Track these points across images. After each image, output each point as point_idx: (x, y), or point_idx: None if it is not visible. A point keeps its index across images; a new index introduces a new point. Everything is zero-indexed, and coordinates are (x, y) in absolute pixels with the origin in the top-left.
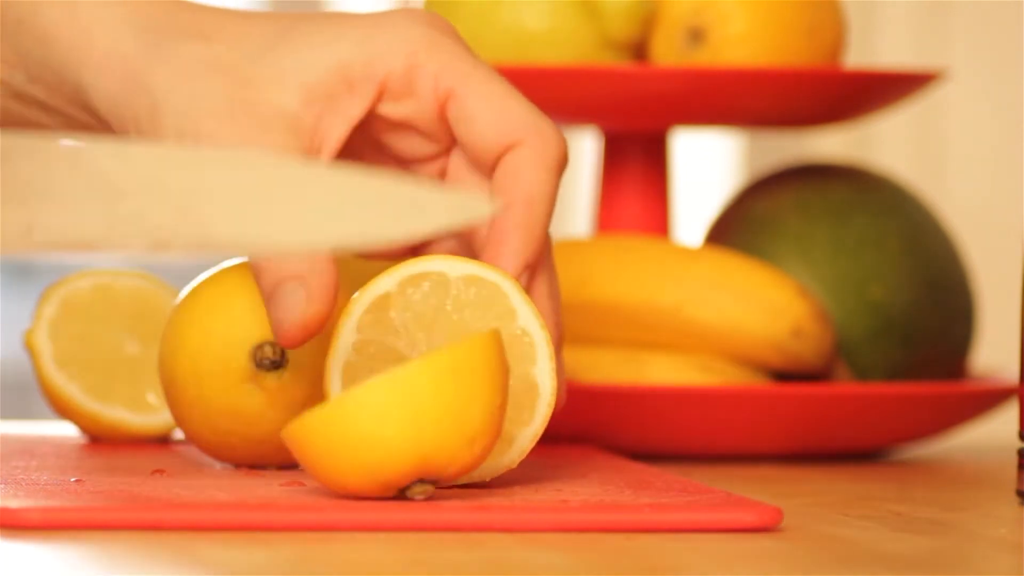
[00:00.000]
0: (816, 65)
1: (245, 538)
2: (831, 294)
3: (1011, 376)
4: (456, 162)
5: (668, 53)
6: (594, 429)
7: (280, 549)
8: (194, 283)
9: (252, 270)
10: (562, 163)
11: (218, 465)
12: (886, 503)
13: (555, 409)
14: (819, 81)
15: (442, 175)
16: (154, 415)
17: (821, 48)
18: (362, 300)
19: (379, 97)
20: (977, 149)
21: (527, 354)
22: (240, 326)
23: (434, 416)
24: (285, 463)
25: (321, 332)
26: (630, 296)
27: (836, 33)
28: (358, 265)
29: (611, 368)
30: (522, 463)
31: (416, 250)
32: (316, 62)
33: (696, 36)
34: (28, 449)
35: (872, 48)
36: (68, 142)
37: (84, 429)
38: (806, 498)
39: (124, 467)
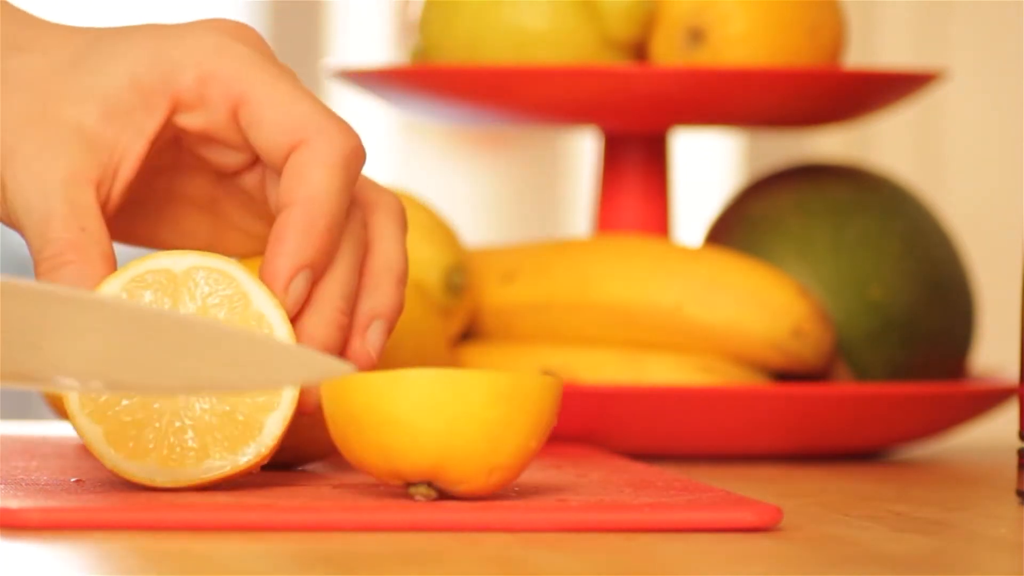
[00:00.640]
0: (816, 65)
1: (245, 538)
2: (831, 294)
3: (1011, 376)
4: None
5: (668, 53)
6: (594, 429)
7: (280, 549)
8: None
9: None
10: (350, 161)
11: None
12: (886, 503)
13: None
14: (819, 81)
15: (261, 186)
16: None
17: (821, 48)
18: (130, 271)
19: (173, 110)
20: (977, 149)
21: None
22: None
23: (470, 432)
24: (290, 463)
25: None
26: (630, 296)
27: (836, 33)
28: None
29: (611, 368)
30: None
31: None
32: (113, 78)
33: (696, 36)
34: (28, 449)
35: (872, 48)
36: None
37: None
38: (806, 498)
39: None
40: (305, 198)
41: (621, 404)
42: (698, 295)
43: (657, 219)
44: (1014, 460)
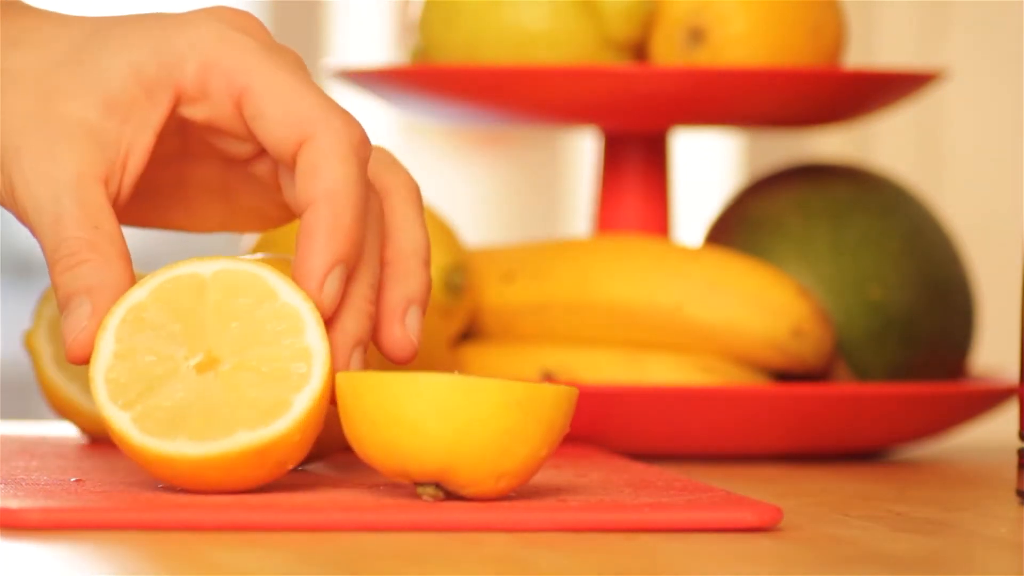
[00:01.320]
0: (816, 65)
1: (245, 538)
2: (831, 294)
3: (1011, 376)
4: None
5: (668, 53)
6: (594, 429)
7: (280, 549)
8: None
9: (52, 284)
10: (359, 149)
11: None
12: (886, 503)
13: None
14: (819, 81)
15: (273, 174)
16: None
17: (822, 48)
18: (117, 312)
19: (177, 102)
20: (977, 149)
21: (294, 327)
22: None
23: (481, 438)
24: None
25: None
26: (630, 296)
27: (836, 33)
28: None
29: (611, 368)
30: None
31: None
32: (114, 70)
33: (696, 36)
34: (28, 449)
35: (872, 48)
36: None
37: (84, 429)
38: (806, 498)
39: (124, 467)
40: (326, 193)
41: (621, 404)
42: (698, 295)
43: (657, 219)
44: (1014, 460)
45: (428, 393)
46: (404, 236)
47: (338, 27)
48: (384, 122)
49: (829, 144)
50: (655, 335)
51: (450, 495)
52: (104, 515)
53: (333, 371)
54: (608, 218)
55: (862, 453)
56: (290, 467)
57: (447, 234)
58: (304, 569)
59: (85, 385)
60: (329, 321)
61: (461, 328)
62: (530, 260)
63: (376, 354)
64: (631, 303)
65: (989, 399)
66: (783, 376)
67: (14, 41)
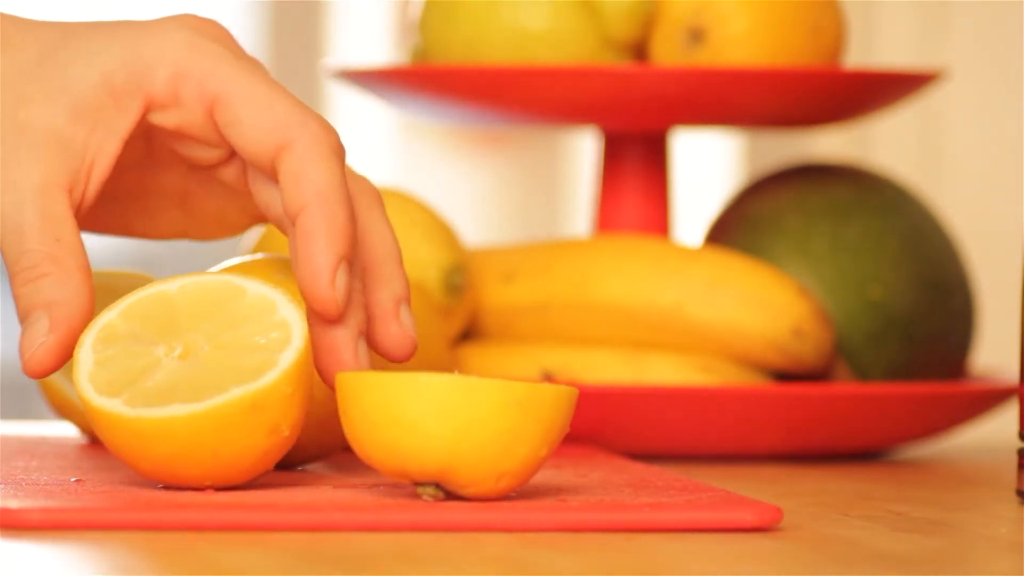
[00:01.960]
0: (816, 65)
1: (245, 538)
2: (831, 294)
3: (1011, 376)
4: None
5: (668, 53)
6: (594, 429)
7: (280, 549)
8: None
9: (12, 296)
10: (339, 152)
11: None
12: (886, 503)
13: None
14: (819, 81)
15: (242, 177)
16: None
17: (822, 48)
18: (89, 332)
19: (147, 109)
20: (977, 149)
21: (267, 309)
22: None
23: (481, 438)
24: (290, 463)
25: (66, 362)
26: (630, 296)
27: (836, 33)
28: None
29: (611, 368)
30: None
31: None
32: (83, 77)
33: (696, 36)
34: (28, 449)
35: (872, 48)
36: None
37: (84, 429)
38: (806, 498)
39: (124, 467)
40: (317, 197)
41: (621, 404)
42: (698, 295)
43: (657, 219)
44: (1014, 460)
45: (428, 393)
46: (377, 240)
47: (338, 27)
48: (384, 122)
49: (829, 144)
50: (655, 335)
51: (450, 495)
52: (104, 515)
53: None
54: (608, 218)
55: (862, 453)
56: (286, 434)
57: (447, 234)
58: (304, 569)
59: None
60: (338, 318)
61: (461, 328)
62: (530, 260)
63: (375, 354)
64: (631, 303)
65: (989, 399)
66: (783, 376)
67: None
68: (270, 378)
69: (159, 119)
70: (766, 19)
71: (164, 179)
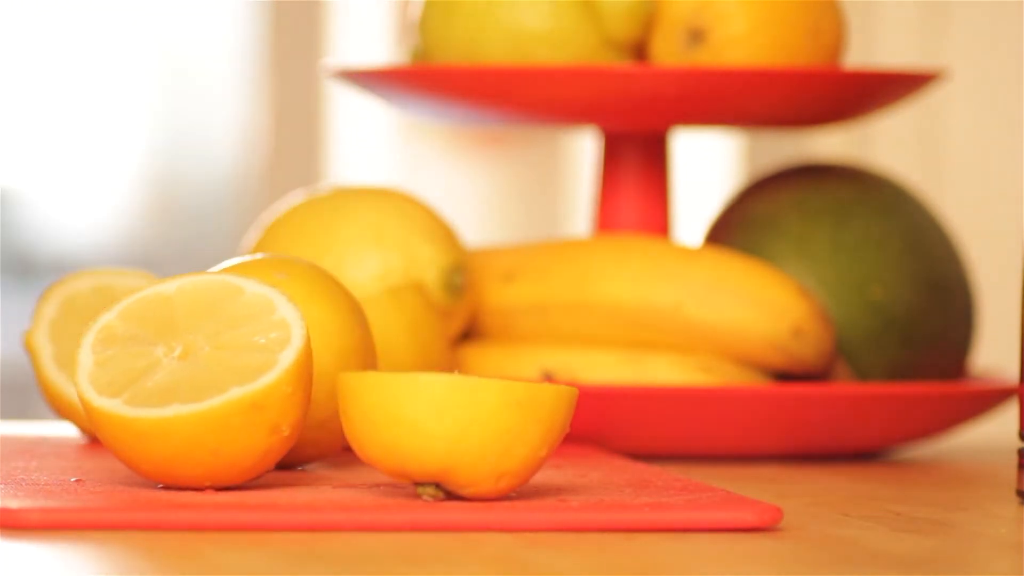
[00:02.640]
0: (816, 65)
1: (245, 538)
2: (831, 294)
3: (1011, 376)
4: None
5: (668, 53)
6: (594, 429)
7: (280, 549)
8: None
9: None
10: None
11: None
12: (886, 503)
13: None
14: (819, 81)
15: None
16: None
17: (822, 48)
18: (89, 334)
19: None
20: (977, 149)
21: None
22: None
23: (481, 438)
24: (290, 463)
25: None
26: (630, 296)
27: (836, 33)
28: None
29: (611, 368)
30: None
31: None
32: None
33: (696, 36)
34: (28, 449)
35: (872, 48)
36: None
37: (84, 429)
38: (806, 498)
39: (124, 467)
40: None
41: (621, 404)
42: (698, 295)
43: (657, 219)
44: (1014, 460)
45: (428, 393)
46: None
47: (338, 27)
48: (384, 122)
49: (829, 144)
50: (655, 335)
51: (450, 495)
52: (104, 515)
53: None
54: (608, 218)
55: (862, 453)
56: (286, 434)
57: (447, 234)
58: (304, 569)
59: None
60: None
61: (461, 328)
62: (530, 260)
63: (375, 355)
64: (631, 303)
65: (989, 399)
66: (783, 376)
67: None
68: (270, 378)
69: None
70: (766, 19)
71: None
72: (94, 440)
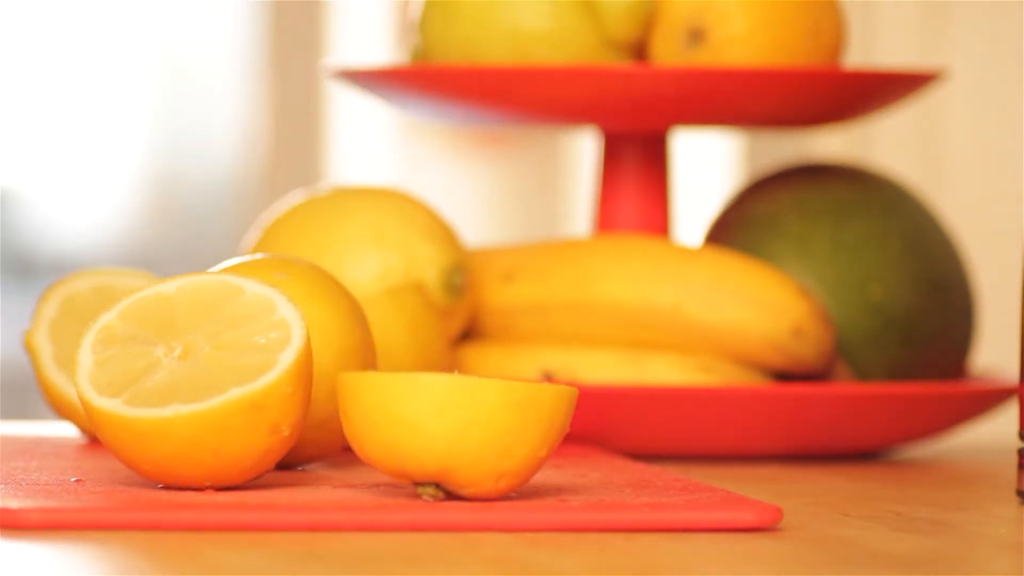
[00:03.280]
0: (816, 65)
1: (245, 538)
2: (831, 294)
3: (1011, 376)
4: None
5: (668, 53)
6: (594, 429)
7: (280, 549)
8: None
9: None
10: None
11: None
12: (886, 503)
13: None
14: (819, 81)
15: None
16: None
17: (822, 48)
18: (89, 333)
19: None
20: (977, 149)
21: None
22: None
23: (481, 438)
24: (290, 463)
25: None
26: (630, 296)
27: (836, 33)
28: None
29: (611, 368)
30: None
31: None
32: None
33: (696, 36)
34: (28, 449)
35: (872, 48)
36: None
37: (84, 429)
38: (806, 498)
39: (124, 467)
40: None
41: (621, 404)
42: (698, 295)
43: (657, 219)
44: (1014, 460)
45: (428, 393)
46: None
47: (338, 27)
48: (384, 122)
49: (829, 144)
50: (655, 335)
51: (450, 495)
52: (104, 515)
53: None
54: (608, 218)
55: (862, 453)
56: (286, 434)
57: (447, 234)
58: (304, 569)
59: None
60: None
61: (461, 328)
62: (530, 260)
63: (375, 355)
64: (631, 303)
65: (989, 399)
66: (783, 376)
67: None
68: (270, 378)
69: None
70: (766, 19)
71: None
72: (94, 440)
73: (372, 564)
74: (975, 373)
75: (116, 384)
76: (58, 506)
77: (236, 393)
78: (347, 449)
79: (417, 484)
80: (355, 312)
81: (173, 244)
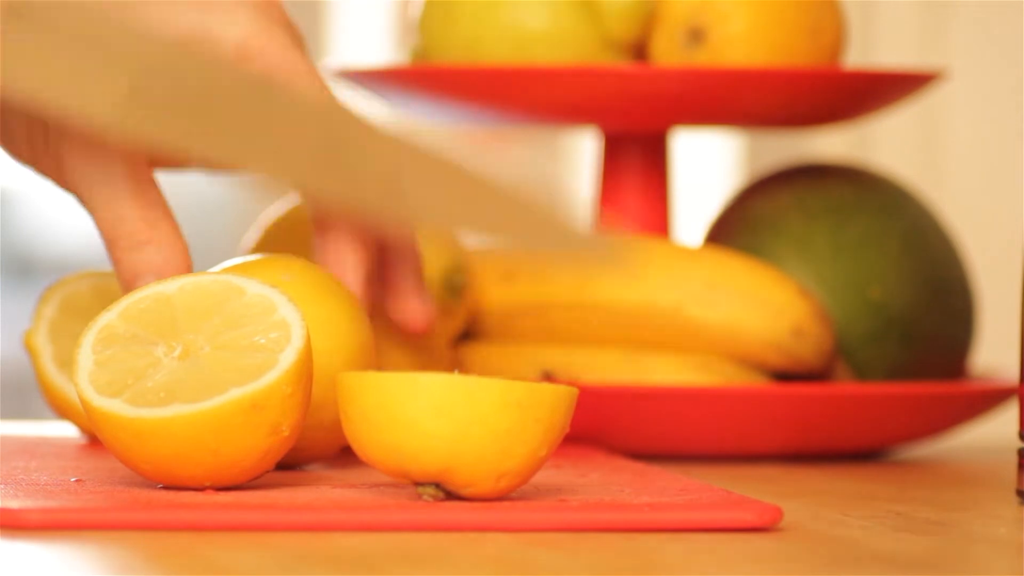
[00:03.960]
0: (816, 65)
1: (245, 538)
2: (831, 294)
3: (1011, 376)
4: None
5: (668, 53)
6: (594, 429)
7: (280, 549)
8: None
9: (111, 261)
10: None
11: None
12: (886, 503)
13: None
14: (819, 81)
15: None
16: None
17: (822, 48)
18: (89, 334)
19: None
20: (977, 149)
21: (267, 309)
22: None
23: (481, 437)
24: (290, 463)
25: None
26: (630, 296)
27: (836, 33)
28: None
29: (611, 368)
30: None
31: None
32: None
33: (696, 36)
34: (28, 449)
35: (872, 48)
36: None
37: (84, 429)
38: (806, 498)
39: (124, 467)
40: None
41: (621, 404)
42: (698, 295)
43: (657, 219)
44: (1014, 460)
45: (428, 393)
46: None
47: (338, 27)
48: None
49: (829, 144)
50: (655, 335)
51: (450, 495)
52: (104, 515)
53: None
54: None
55: (862, 453)
56: (286, 434)
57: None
58: (304, 569)
59: None
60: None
61: (461, 328)
62: (530, 260)
63: (376, 355)
64: (631, 303)
65: (989, 399)
66: (783, 376)
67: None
68: (270, 378)
69: None
70: (766, 19)
71: None
72: (94, 440)
73: (372, 564)
74: (975, 373)
75: (116, 384)
76: (58, 506)
77: (236, 393)
78: (347, 449)
79: (417, 484)
80: (360, 313)
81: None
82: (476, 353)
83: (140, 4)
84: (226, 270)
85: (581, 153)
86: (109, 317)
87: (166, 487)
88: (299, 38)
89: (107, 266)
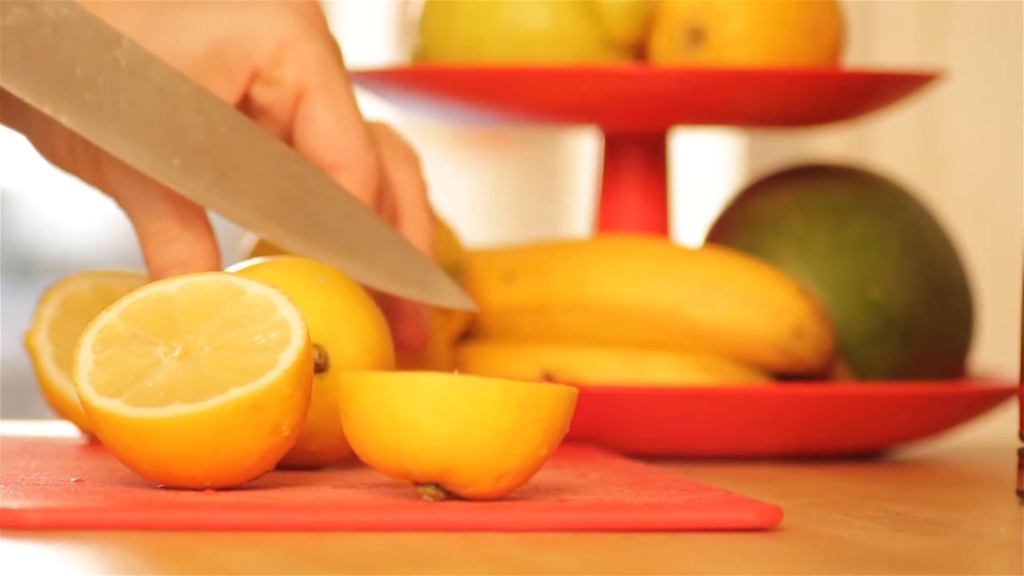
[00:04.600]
0: (816, 65)
1: (245, 538)
2: (831, 294)
3: (1011, 376)
4: None
5: (668, 53)
6: (594, 429)
7: (280, 549)
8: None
9: (144, 259)
10: (381, 189)
11: None
12: (886, 503)
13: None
14: (819, 81)
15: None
16: None
17: (821, 48)
18: (89, 333)
19: (251, 81)
20: (977, 149)
21: (267, 309)
22: None
23: (481, 438)
24: (314, 464)
25: None
26: (630, 296)
27: (836, 33)
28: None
29: (611, 368)
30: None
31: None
32: (195, 45)
33: (696, 36)
34: (28, 449)
35: (872, 48)
36: None
37: (84, 429)
38: (806, 498)
39: (124, 467)
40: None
41: (621, 404)
42: (698, 295)
43: (657, 219)
44: (1014, 460)
45: (428, 393)
46: (414, 228)
47: (338, 27)
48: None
49: (829, 144)
50: (655, 335)
51: (450, 495)
52: (104, 515)
53: (310, 340)
54: (608, 218)
55: (862, 453)
56: (286, 434)
57: (447, 234)
58: (304, 569)
59: None
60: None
61: (461, 328)
62: (530, 260)
63: (376, 355)
64: (631, 303)
65: (989, 399)
66: (783, 376)
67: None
68: (270, 378)
69: (256, 92)
70: (766, 19)
71: None
72: (94, 440)
73: (372, 564)
74: (975, 373)
75: (116, 384)
76: (58, 506)
77: (236, 393)
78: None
79: (417, 484)
80: (381, 317)
81: None
82: (476, 353)
83: (181, 4)
84: (255, 267)
85: (581, 153)
86: (109, 317)
87: (166, 487)
88: (337, 48)
89: (107, 266)
